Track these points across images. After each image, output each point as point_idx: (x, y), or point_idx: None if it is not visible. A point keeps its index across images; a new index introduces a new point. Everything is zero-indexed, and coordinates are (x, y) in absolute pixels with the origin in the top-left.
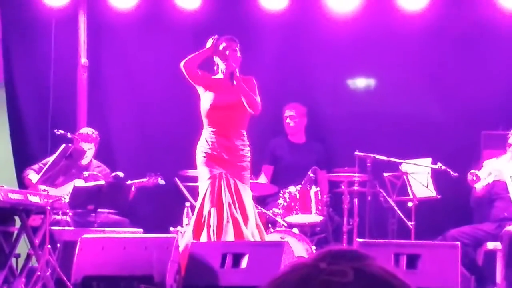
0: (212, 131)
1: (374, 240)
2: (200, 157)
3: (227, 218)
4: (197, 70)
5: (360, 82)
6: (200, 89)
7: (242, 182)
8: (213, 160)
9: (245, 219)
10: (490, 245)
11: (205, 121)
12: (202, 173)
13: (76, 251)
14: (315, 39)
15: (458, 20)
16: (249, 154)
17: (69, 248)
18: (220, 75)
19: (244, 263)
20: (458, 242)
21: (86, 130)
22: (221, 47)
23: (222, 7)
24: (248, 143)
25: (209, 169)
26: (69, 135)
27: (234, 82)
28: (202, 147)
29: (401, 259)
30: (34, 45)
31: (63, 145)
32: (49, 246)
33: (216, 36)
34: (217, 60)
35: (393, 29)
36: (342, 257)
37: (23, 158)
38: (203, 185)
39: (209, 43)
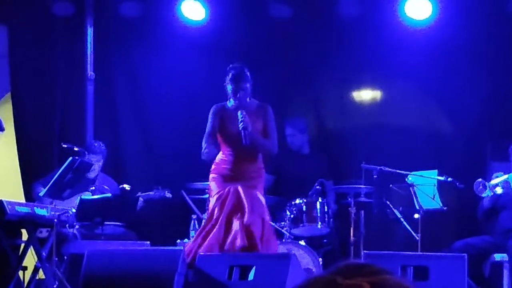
0: (227, 154)
1: (381, 252)
2: (212, 174)
3: (233, 230)
4: (215, 140)
5: (367, 94)
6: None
7: (255, 192)
8: (224, 178)
9: (252, 230)
10: (497, 257)
11: (221, 144)
12: (212, 189)
13: (83, 264)
14: (320, 50)
15: (465, 31)
16: (263, 177)
17: (76, 260)
18: (232, 103)
19: (251, 275)
20: (465, 254)
21: (93, 143)
22: (228, 89)
23: (229, 18)
24: (262, 166)
25: (218, 185)
26: (76, 148)
27: (244, 141)
28: (216, 165)
29: (408, 271)
30: (41, 58)
31: (70, 158)
32: (56, 259)
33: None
34: (227, 87)
35: (400, 40)
36: (358, 271)
37: (30, 171)
38: (212, 200)
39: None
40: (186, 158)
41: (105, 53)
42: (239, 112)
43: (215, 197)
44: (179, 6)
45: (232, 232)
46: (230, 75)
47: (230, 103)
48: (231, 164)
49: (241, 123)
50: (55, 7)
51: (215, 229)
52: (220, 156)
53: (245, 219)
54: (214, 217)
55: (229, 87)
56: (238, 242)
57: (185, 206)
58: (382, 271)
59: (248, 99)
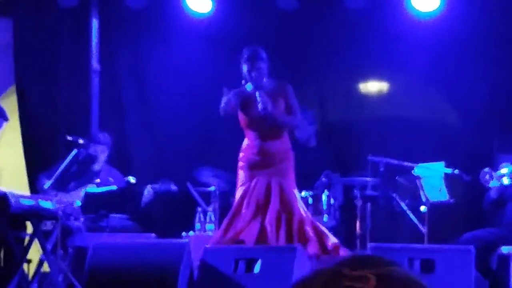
0: (252, 138)
1: (387, 244)
2: (239, 163)
3: (261, 221)
4: (234, 110)
5: (373, 86)
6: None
7: (285, 181)
8: (252, 166)
9: (285, 220)
10: (504, 249)
11: (244, 130)
12: (239, 178)
13: (88, 257)
14: (327, 43)
15: (472, 23)
16: (292, 158)
17: (81, 253)
18: (251, 86)
19: (257, 268)
20: (472, 246)
21: (98, 134)
22: (244, 69)
23: (235, 10)
24: (290, 147)
25: (245, 174)
26: (81, 140)
27: (267, 122)
28: (243, 152)
29: (415, 263)
30: (46, 50)
31: (75, 151)
32: (61, 251)
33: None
34: (243, 70)
35: (406, 32)
36: (365, 262)
37: (35, 164)
38: (239, 190)
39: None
40: (192, 150)
41: (110, 45)
42: (256, 93)
43: (241, 189)
44: None
45: (259, 228)
46: (245, 56)
47: (249, 87)
48: (257, 148)
49: (260, 104)
50: None
51: (240, 223)
52: (246, 142)
53: (269, 215)
54: (241, 209)
55: (244, 68)
56: (269, 238)
57: (190, 198)
58: (389, 263)
59: (264, 79)
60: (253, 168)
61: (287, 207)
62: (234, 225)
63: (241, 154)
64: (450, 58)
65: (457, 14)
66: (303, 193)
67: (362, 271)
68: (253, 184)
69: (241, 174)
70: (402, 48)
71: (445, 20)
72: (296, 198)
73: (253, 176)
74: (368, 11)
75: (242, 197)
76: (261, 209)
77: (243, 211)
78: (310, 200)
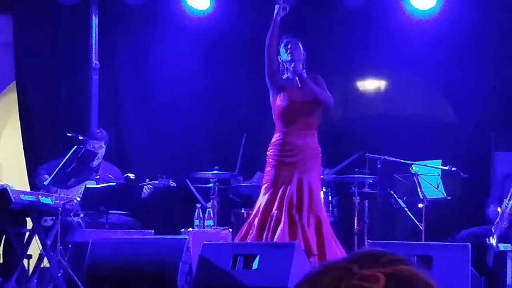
0: (283, 132)
1: (385, 241)
2: (268, 160)
3: (286, 221)
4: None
5: (371, 84)
6: (273, 90)
7: (313, 181)
8: (281, 164)
9: (313, 220)
10: (501, 246)
11: (277, 123)
12: (266, 174)
13: (88, 253)
14: (324, 39)
15: (470, 22)
16: (319, 157)
17: (80, 249)
18: (288, 75)
19: (255, 264)
20: (469, 244)
21: (96, 130)
22: (283, 48)
23: (233, 7)
24: (318, 146)
25: (272, 172)
26: (80, 137)
27: (302, 86)
28: (272, 150)
29: (412, 260)
30: (46, 47)
31: (75, 147)
32: (60, 247)
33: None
34: (283, 58)
35: (404, 30)
36: (376, 260)
37: (34, 160)
38: (266, 187)
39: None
40: (191, 146)
41: (110, 42)
42: (292, 64)
43: (266, 186)
44: None
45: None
46: (285, 40)
47: (285, 76)
48: (286, 143)
49: (295, 72)
50: None
51: (260, 225)
52: (275, 136)
53: (303, 219)
54: (260, 210)
55: (283, 52)
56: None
57: (189, 195)
58: (400, 261)
59: (303, 70)
60: (280, 165)
61: (315, 209)
62: (263, 224)
63: (270, 150)
64: (447, 56)
65: (454, 12)
66: None
67: (372, 269)
68: (280, 182)
69: (268, 171)
70: (400, 46)
71: (443, 18)
72: (319, 202)
73: (280, 173)
74: (365, 9)
75: (265, 199)
76: (294, 209)
77: (275, 211)
78: None
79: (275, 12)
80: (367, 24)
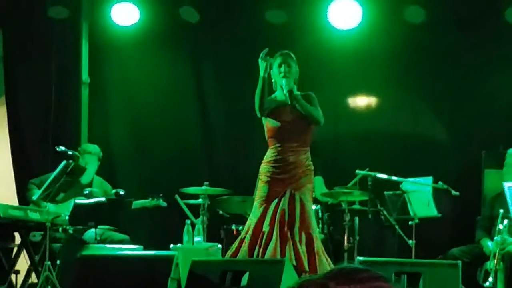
0: (276, 149)
1: (375, 258)
2: (261, 177)
3: (277, 238)
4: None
5: (361, 101)
6: (263, 116)
7: (305, 198)
8: (275, 180)
9: (304, 236)
10: (491, 264)
11: (269, 140)
12: (258, 189)
13: (76, 268)
14: (315, 56)
15: (459, 38)
16: (313, 170)
17: (69, 264)
18: (279, 92)
19: (244, 280)
20: (459, 261)
21: (88, 145)
22: (277, 64)
23: (223, 22)
24: (311, 163)
25: (265, 189)
26: (70, 152)
27: (293, 103)
28: (265, 167)
29: (402, 277)
30: (36, 62)
31: (64, 162)
32: (49, 262)
33: (264, 55)
34: (274, 76)
35: (394, 47)
36: (351, 277)
37: (24, 175)
38: (256, 204)
39: (261, 67)
40: (181, 162)
41: (100, 57)
42: (283, 80)
43: (258, 202)
44: (177, 10)
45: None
46: (278, 57)
47: (278, 95)
48: (279, 160)
49: (286, 87)
50: (50, 11)
51: (252, 242)
52: (268, 154)
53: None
54: (252, 227)
55: (276, 69)
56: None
57: (178, 210)
58: (376, 278)
59: (294, 83)
60: (273, 181)
61: (306, 226)
62: (254, 241)
63: (262, 166)
64: (438, 73)
65: (445, 29)
66: None
67: (348, 286)
68: (273, 198)
69: (260, 187)
70: (391, 62)
71: (433, 35)
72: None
73: (272, 190)
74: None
75: (264, 211)
76: (286, 225)
77: (266, 228)
78: None
79: (262, 70)
80: (357, 40)
